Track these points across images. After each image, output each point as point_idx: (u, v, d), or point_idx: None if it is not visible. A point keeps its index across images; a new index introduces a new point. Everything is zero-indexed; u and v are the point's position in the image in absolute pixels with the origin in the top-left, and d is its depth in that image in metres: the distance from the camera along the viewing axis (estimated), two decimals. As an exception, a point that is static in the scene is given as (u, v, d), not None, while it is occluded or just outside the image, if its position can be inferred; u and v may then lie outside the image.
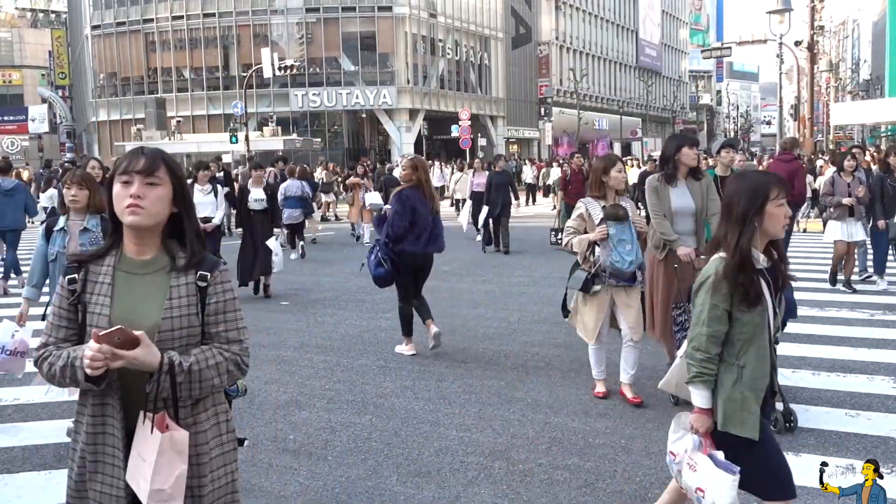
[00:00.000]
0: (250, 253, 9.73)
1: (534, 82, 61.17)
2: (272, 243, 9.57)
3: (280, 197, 12.33)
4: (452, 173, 26.96)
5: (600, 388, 5.47)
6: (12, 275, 10.57)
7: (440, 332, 6.71)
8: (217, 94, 46.81)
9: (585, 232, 5.22)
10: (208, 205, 9.44)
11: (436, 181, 28.94)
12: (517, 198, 14.24)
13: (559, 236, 13.68)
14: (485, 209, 13.97)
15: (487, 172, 15.22)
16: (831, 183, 9.60)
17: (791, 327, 7.42)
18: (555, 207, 23.68)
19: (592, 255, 5.16)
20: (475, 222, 15.15)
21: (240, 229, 10.26)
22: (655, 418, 5.01)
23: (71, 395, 5.66)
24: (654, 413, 5.12)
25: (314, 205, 16.13)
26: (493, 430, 4.84)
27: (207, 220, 9.24)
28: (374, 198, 14.59)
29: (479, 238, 15.14)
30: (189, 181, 9.08)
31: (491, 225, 14.27)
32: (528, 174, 31.28)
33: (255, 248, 9.70)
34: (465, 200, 24.92)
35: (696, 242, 5.38)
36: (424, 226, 6.52)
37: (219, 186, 9.91)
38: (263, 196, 9.87)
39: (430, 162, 32.71)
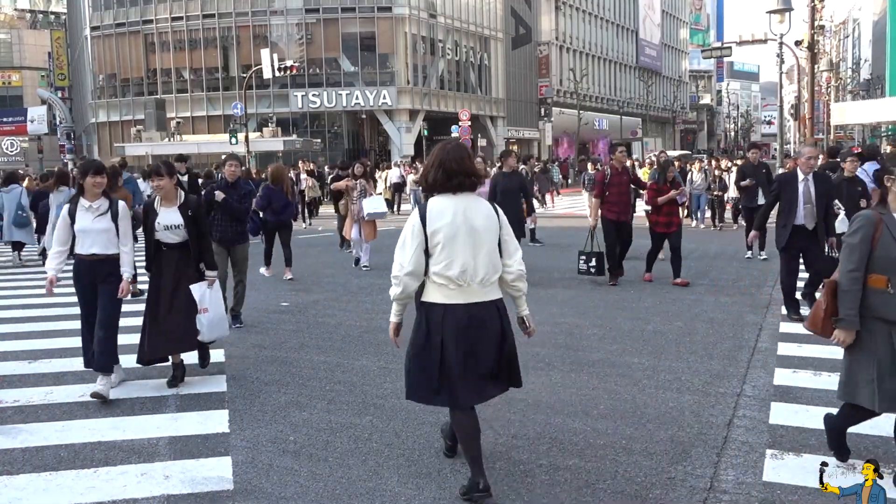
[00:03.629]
0: (152, 314, 5.93)
1: (534, 82, 61.20)
2: (198, 290, 5.94)
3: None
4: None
5: None
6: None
7: (292, 279, 11.02)
8: (217, 94, 46.86)
9: None
10: (100, 233, 5.61)
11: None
12: (532, 209, 10.97)
13: (592, 263, 10.18)
14: None
15: (492, 173, 11.79)
16: None
17: (792, 327, 7.43)
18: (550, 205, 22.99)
19: None
20: None
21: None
22: (656, 418, 5.00)
23: (80, 396, 5.66)
24: (655, 413, 5.11)
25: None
26: (493, 430, 4.84)
27: (97, 256, 5.62)
28: (374, 204, 11.98)
29: None
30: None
31: None
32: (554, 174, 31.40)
33: (164, 306, 5.91)
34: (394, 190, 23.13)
35: None
36: (276, 206, 10.72)
37: (121, 204, 5.78)
38: (179, 220, 5.93)
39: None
